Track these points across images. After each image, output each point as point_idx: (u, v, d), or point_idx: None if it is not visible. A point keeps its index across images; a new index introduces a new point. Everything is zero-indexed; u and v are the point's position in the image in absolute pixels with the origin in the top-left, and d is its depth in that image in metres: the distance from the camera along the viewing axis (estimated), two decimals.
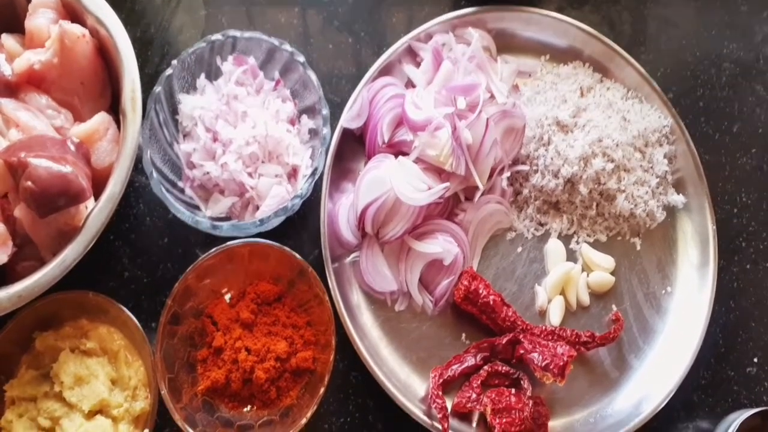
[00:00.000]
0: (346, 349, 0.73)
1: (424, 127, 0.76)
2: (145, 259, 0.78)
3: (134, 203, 0.80)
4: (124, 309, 0.68)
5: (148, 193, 0.81)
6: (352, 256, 0.79)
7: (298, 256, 0.70)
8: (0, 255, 0.65)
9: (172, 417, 0.66)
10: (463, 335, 0.78)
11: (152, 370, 0.67)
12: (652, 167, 0.83)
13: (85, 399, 0.65)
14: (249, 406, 0.71)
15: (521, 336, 0.75)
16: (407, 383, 0.74)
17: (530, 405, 0.73)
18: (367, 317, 0.78)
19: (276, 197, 0.74)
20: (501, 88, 0.81)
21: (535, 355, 0.74)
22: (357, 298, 0.78)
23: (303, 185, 0.73)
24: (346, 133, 0.81)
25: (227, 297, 0.74)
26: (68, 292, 0.68)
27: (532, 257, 0.82)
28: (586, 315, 0.80)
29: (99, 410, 0.66)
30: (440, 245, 0.77)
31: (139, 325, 0.68)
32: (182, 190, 0.76)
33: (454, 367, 0.75)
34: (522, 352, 0.74)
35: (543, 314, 0.80)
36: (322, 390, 0.67)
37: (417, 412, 0.71)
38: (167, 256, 0.78)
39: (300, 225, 0.80)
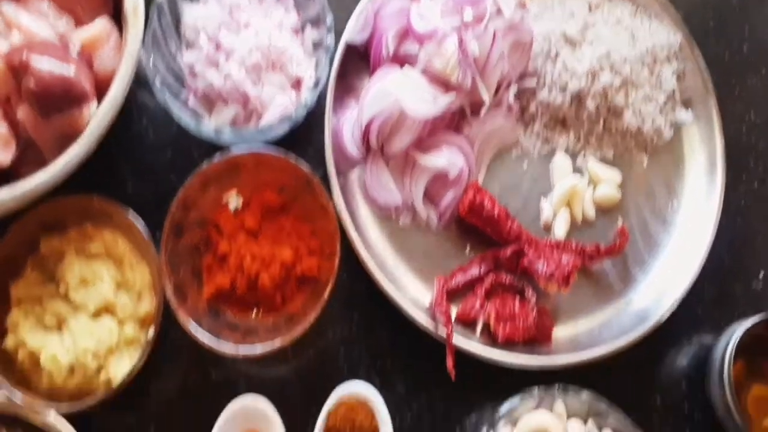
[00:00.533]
0: (350, 260, 0.73)
1: (430, 38, 0.75)
2: (148, 174, 0.78)
3: (137, 119, 0.80)
4: (129, 213, 0.68)
5: (151, 109, 0.80)
6: (357, 170, 0.79)
7: (303, 165, 0.70)
8: (4, 155, 0.64)
9: (177, 320, 0.66)
10: (468, 248, 0.78)
11: (157, 274, 0.67)
12: (660, 84, 0.82)
13: (90, 299, 0.66)
14: (254, 313, 0.71)
15: (526, 247, 0.75)
16: (412, 293, 0.74)
17: (534, 314, 0.73)
18: (372, 230, 0.78)
19: (280, 106, 0.73)
20: (508, 2, 0.80)
21: (540, 264, 0.73)
22: (362, 212, 0.78)
23: (307, 95, 0.73)
24: (351, 51, 0.80)
25: (232, 206, 0.73)
26: (72, 196, 0.68)
27: (538, 174, 0.81)
28: (591, 230, 0.80)
29: (104, 311, 0.66)
30: (445, 158, 0.77)
31: (143, 229, 0.67)
32: (186, 102, 0.75)
33: (458, 277, 0.75)
34: (526, 262, 0.74)
35: (548, 228, 0.79)
36: (326, 294, 0.67)
37: (421, 319, 0.70)
38: (171, 170, 0.77)
39: (304, 141, 0.79)
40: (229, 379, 0.71)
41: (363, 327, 0.74)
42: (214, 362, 0.72)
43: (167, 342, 0.72)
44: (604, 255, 0.76)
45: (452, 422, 0.71)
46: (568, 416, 0.67)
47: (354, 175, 0.79)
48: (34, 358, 0.64)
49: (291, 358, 0.72)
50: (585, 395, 0.64)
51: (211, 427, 0.67)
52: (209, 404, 0.70)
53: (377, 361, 0.73)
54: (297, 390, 0.71)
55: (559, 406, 0.65)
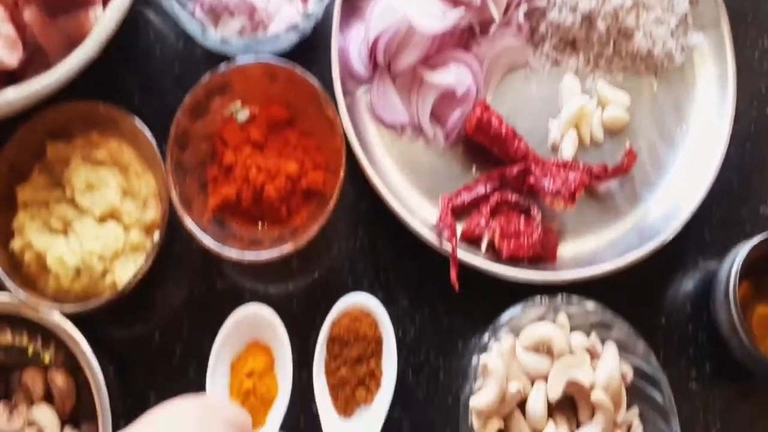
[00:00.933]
0: (356, 178, 0.73)
1: None
2: (155, 88, 0.77)
3: (144, 35, 0.79)
4: (136, 120, 0.68)
5: (158, 26, 0.80)
6: (364, 89, 0.78)
7: (310, 77, 0.69)
8: (10, 57, 0.64)
9: (182, 231, 0.66)
10: (474, 168, 0.77)
11: (163, 182, 0.67)
12: (672, 7, 0.81)
13: (96, 204, 0.66)
14: (260, 225, 0.71)
15: (532, 166, 0.74)
16: (417, 210, 0.74)
17: (539, 231, 0.72)
18: (378, 148, 0.77)
19: (286, 17, 0.72)
20: None
21: (546, 181, 0.73)
22: (369, 130, 0.78)
23: (314, 6, 0.72)
24: None
25: (238, 118, 0.73)
26: (79, 101, 0.68)
27: (546, 95, 0.80)
28: (599, 151, 0.79)
29: (110, 216, 0.67)
30: (453, 75, 0.76)
31: (150, 136, 0.67)
32: (192, 14, 0.74)
33: (463, 195, 0.75)
34: (532, 180, 0.74)
35: (555, 149, 0.79)
36: (331, 203, 0.66)
37: (426, 234, 0.70)
38: (177, 86, 0.77)
39: (310, 61, 0.78)
40: (234, 291, 0.72)
41: (367, 243, 0.74)
42: (218, 273, 0.72)
43: (172, 253, 0.72)
44: (611, 175, 0.75)
45: (455, 335, 0.72)
46: (571, 329, 0.67)
47: (360, 94, 0.78)
48: (41, 261, 0.65)
49: (296, 271, 0.73)
50: (590, 305, 0.64)
51: (216, 335, 0.67)
52: (214, 314, 0.70)
53: (381, 275, 0.73)
54: (301, 303, 0.72)
55: (562, 317, 0.65)
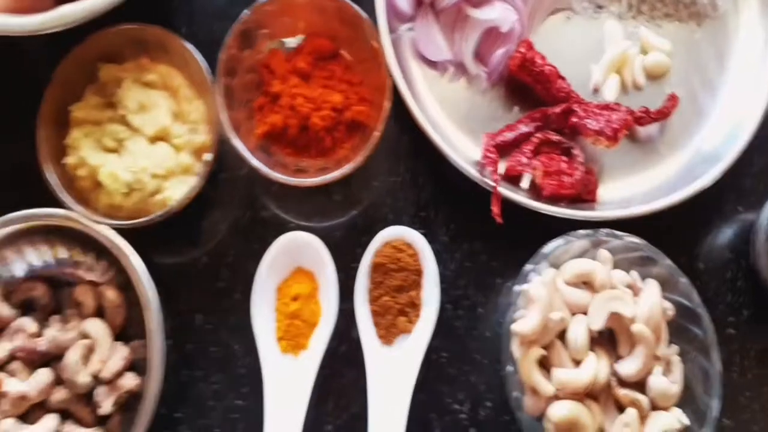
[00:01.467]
0: (398, 114, 0.73)
1: None
2: (203, 18, 0.77)
3: None
4: (187, 44, 0.68)
5: None
6: (407, 27, 0.78)
7: (357, 8, 0.69)
8: None
9: (227, 159, 0.67)
10: (516, 108, 0.78)
11: (212, 107, 0.67)
12: None
13: (148, 124, 0.66)
14: (305, 155, 0.72)
15: (575, 106, 0.75)
16: (459, 147, 0.75)
17: (581, 171, 0.73)
18: (421, 86, 0.78)
19: None
20: None
21: (589, 120, 0.73)
22: (412, 68, 0.78)
23: None
24: None
25: (286, 47, 0.73)
26: (132, 24, 0.68)
27: (587, 40, 0.80)
28: (640, 96, 0.79)
29: (161, 138, 0.67)
30: (498, 12, 0.76)
31: (201, 60, 0.67)
32: None
33: (506, 133, 0.75)
34: (575, 120, 0.74)
35: (596, 93, 0.79)
36: (377, 134, 0.67)
37: (469, 169, 0.71)
38: (225, 15, 0.77)
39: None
40: (277, 220, 0.73)
41: (409, 179, 0.75)
42: (262, 202, 0.73)
43: (218, 180, 0.73)
44: (653, 118, 0.76)
45: (493, 272, 0.73)
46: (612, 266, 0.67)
47: (404, 32, 0.78)
48: (94, 177, 0.66)
49: (337, 204, 0.73)
50: (634, 239, 0.65)
51: (260, 261, 0.68)
52: (258, 241, 0.71)
53: (421, 212, 0.74)
54: (342, 234, 0.73)
55: (604, 252, 0.66)
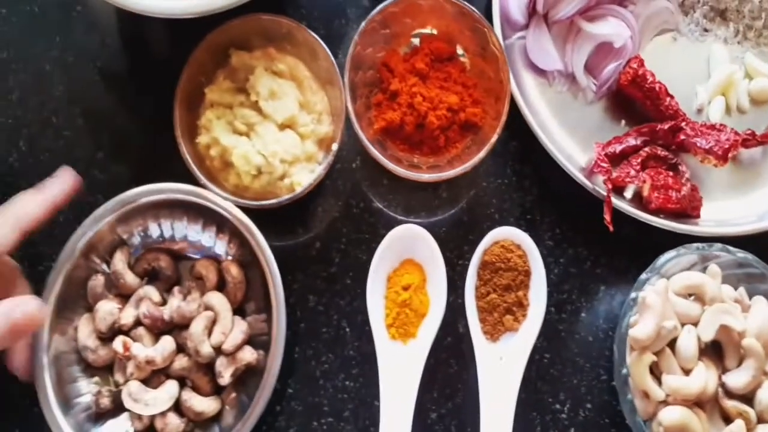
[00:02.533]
0: (508, 119, 0.74)
1: None
2: (321, 17, 0.80)
3: None
4: (317, 38, 0.70)
5: None
6: (517, 36, 0.81)
7: (478, 13, 0.71)
8: None
9: (343, 149, 0.69)
10: (623, 122, 0.79)
11: (336, 99, 0.69)
12: None
13: (278, 111, 0.69)
14: (418, 152, 0.74)
15: (683, 124, 0.76)
16: (568, 153, 0.76)
17: (688, 187, 0.74)
18: (531, 92, 0.80)
19: None
20: None
21: (699, 139, 0.75)
22: (523, 76, 0.80)
23: None
24: None
25: (403, 49, 0.76)
26: (262, 15, 0.71)
27: (693, 61, 0.82)
28: (743, 119, 0.81)
29: (289, 126, 0.70)
30: (612, 27, 0.78)
31: (329, 52, 0.70)
32: None
33: (615, 144, 0.77)
34: (683, 137, 0.76)
35: (700, 112, 0.81)
36: (495, 137, 0.69)
37: (579, 176, 0.73)
38: (342, 14, 0.79)
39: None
40: (387, 211, 0.75)
41: (515, 181, 0.76)
42: (374, 193, 0.76)
43: (333, 169, 0.75)
44: (758, 141, 0.77)
45: (597, 279, 0.74)
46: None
47: (514, 41, 0.80)
48: (224, 157, 0.68)
49: (444, 200, 0.75)
50: (746, 255, 0.66)
51: (371, 250, 0.70)
52: (369, 230, 0.74)
53: (527, 214, 0.75)
54: (449, 231, 0.75)
55: (714, 267, 0.67)
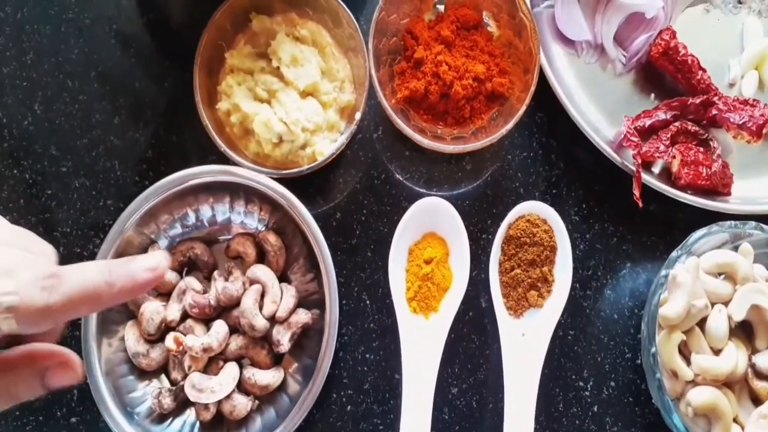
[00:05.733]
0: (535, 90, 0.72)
1: None
2: None
3: None
4: (339, 1, 0.68)
5: None
6: (546, 4, 0.78)
7: None
8: None
9: (365, 118, 0.67)
10: (652, 95, 0.77)
11: (360, 67, 0.67)
12: None
13: (300, 78, 0.67)
14: (442, 122, 0.72)
15: (715, 98, 0.74)
16: (596, 126, 0.74)
17: (719, 163, 0.72)
18: (559, 62, 0.77)
19: None
20: None
21: (732, 114, 0.73)
22: (551, 47, 0.78)
23: None
24: None
25: (427, 17, 0.73)
26: None
27: (726, 34, 0.79)
28: None
29: (310, 93, 0.68)
30: None
31: (352, 17, 0.67)
32: None
33: (644, 118, 0.75)
34: (715, 112, 0.74)
35: (732, 87, 0.78)
36: (522, 109, 0.67)
37: (609, 150, 0.71)
38: None
39: None
40: (408, 183, 0.73)
41: (542, 154, 0.74)
42: (396, 165, 0.74)
43: (355, 140, 0.73)
44: None
45: (623, 255, 0.72)
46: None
47: (542, 10, 0.78)
48: (245, 125, 0.66)
49: (468, 174, 0.73)
50: None
51: (392, 222, 0.69)
52: (391, 202, 0.72)
53: (553, 189, 0.74)
54: (473, 204, 0.73)
55: (746, 246, 0.65)
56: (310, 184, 0.71)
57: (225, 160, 0.64)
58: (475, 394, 0.68)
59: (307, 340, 0.64)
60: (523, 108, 0.68)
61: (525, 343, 0.67)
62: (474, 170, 0.74)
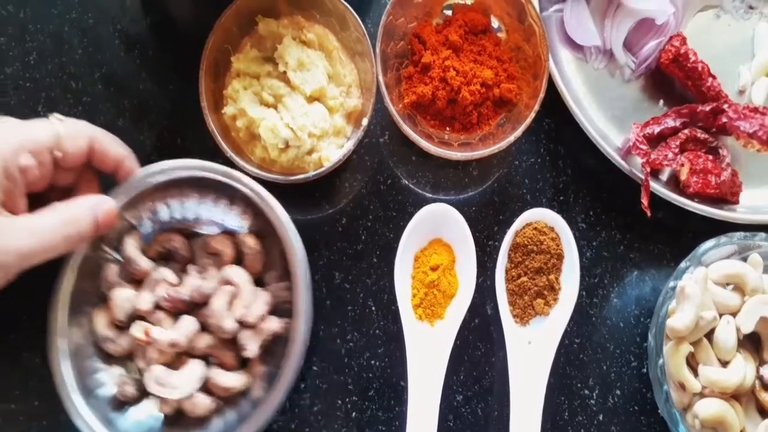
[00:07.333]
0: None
1: None
2: None
3: None
4: (346, 5, 0.67)
5: None
6: (554, 9, 0.77)
7: None
8: None
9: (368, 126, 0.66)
10: (661, 102, 0.76)
11: (367, 71, 0.67)
12: None
13: (307, 83, 0.66)
14: (449, 128, 0.72)
15: (725, 106, 0.73)
16: (604, 133, 0.74)
17: (728, 171, 0.72)
18: (569, 69, 0.77)
19: None
20: None
21: (742, 122, 0.72)
22: (559, 51, 0.77)
23: None
24: None
25: (435, 21, 0.73)
26: None
27: (735, 40, 0.79)
28: None
29: (317, 98, 0.67)
30: (655, 3, 0.75)
31: (359, 21, 0.67)
32: None
33: (653, 125, 0.74)
34: (725, 120, 0.73)
35: (742, 94, 0.77)
36: (532, 115, 0.66)
37: (617, 158, 0.70)
38: None
39: None
40: (415, 190, 0.72)
41: (549, 161, 0.74)
42: (402, 170, 0.73)
43: (362, 144, 0.73)
44: None
45: (630, 264, 0.72)
46: None
47: (551, 14, 0.77)
48: (251, 130, 0.66)
49: (475, 180, 0.73)
50: None
51: (398, 228, 0.68)
52: (397, 208, 0.71)
53: (560, 196, 0.73)
54: (479, 211, 0.72)
55: (756, 257, 0.65)
56: (315, 188, 0.70)
57: (230, 165, 0.63)
58: (481, 402, 0.68)
59: (278, 347, 0.63)
60: (532, 115, 0.67)
61: (531, 351, 0.66)
62: (481, 176, 0.73)
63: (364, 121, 0.65)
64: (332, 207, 0.71)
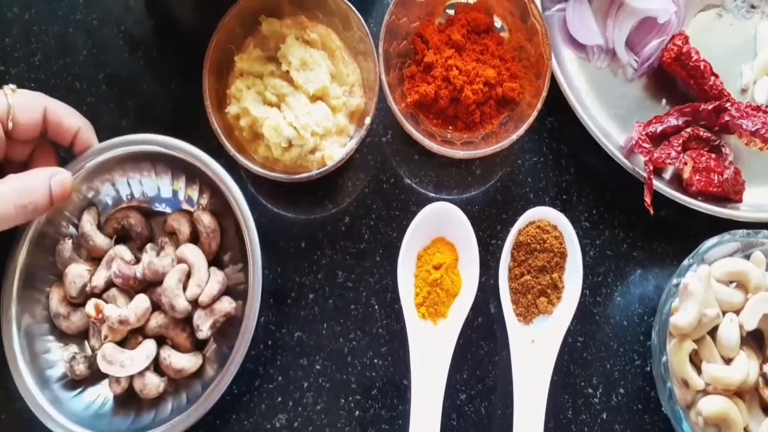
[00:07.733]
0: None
1: None
2: None
3: None
4: (349, 5, 0.67)
5: None
6: (557, 8, 0.77)
7: None
8: None
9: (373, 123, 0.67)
10: (664, 101, 0.77)
11: (370, 70, 0.67)
12: None
13: (310, 82, 0.66)
14: (452, 127, 0.72)
15: (728, 104, 0.73)
16: (607, 132, 0.74)
17: (731, 170, 0.72)
18: (570, 68, 0.77)
19: None
20: None
21: (744, 121, 0.72)
22: (562, 51, 0.77)
23: None
24: None
25: (438, 20, 0.73)
26: None
27: (737, 39, 0.79)
28: None
29: (320, 98, 0.67)
30: (657, 2, 0.75)
31: (362, 21, 0.67)
32: None
33: (655, 124, 0.74)
34: (728, 119, 0.73)
35: (744, 93, 0.78)
36: (534, 114, 0.66)
37: (620, 157, 0.70)
38: None
39: None
40: (418, 189, 0.72)
41: (552, 160, 0.74)
42: (405, 170, 0.73)
43: (364, 144, 0.73)
44: None
45: (633, 262, 0.72)
46: None
47: (553, 14, 0.77)
48: (254, 129, 0.66)
49: (478, 179, 0.73)
50: None
51: (401, 227, 0.68)
52: (400, 207, 0.72)
53: (563, 194, 0.73)
54: (482, 210, 0.73)
55: (758, 255, 0.65)
56: (318, 187, 0.71)
57: (234, 163, 0.64)
58: (484, 401, 0.68)
59: (232, 329, 0.63)
60: (534, 113, 0.67)
61: (534, 349, 0.66)
62: (484, 175, 0.73)
63: (367, 120, 0.65)
64: (335, 206, 0.71)
